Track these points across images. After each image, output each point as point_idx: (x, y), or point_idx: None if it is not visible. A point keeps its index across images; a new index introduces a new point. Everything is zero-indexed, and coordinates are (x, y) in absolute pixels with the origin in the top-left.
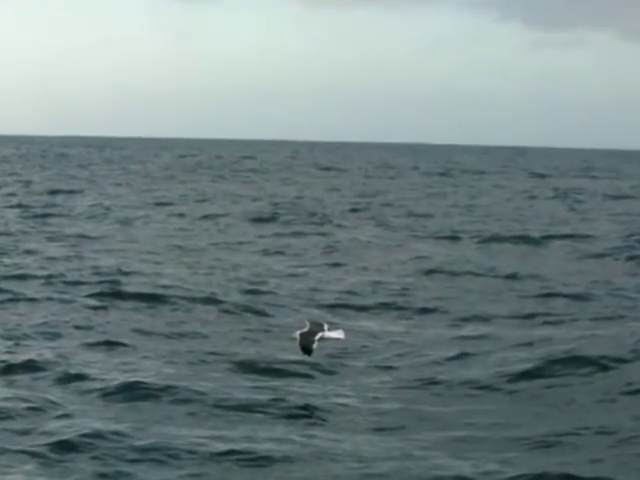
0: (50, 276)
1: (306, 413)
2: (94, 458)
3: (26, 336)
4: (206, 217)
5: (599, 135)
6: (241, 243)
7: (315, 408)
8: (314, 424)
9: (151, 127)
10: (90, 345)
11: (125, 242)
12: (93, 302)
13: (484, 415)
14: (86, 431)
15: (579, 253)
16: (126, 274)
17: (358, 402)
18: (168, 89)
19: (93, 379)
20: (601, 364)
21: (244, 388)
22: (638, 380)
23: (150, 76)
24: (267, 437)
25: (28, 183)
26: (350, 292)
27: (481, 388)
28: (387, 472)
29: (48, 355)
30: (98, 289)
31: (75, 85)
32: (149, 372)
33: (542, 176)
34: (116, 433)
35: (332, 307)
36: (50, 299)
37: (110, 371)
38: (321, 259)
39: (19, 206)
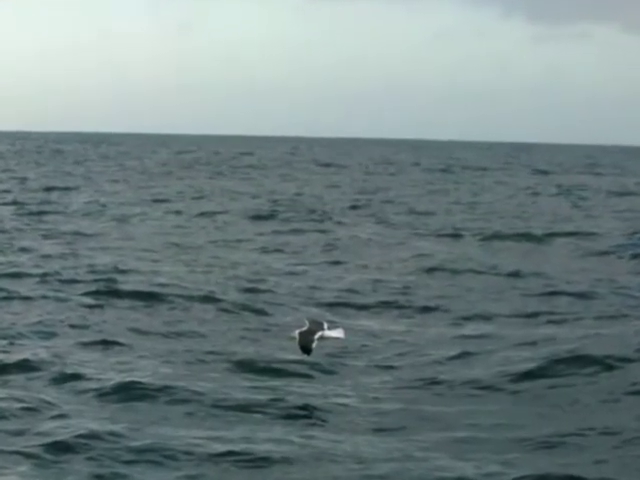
0: (45, 274)
1: (305, 413)
2: (90, 459)
3: (21, 335)
4: (204, 214)
5: (603, 131)
6: (239, 241)
7: (314, 408)
8: (313, 424)
9: (148, 123)
10: (86, 344)
11: (121, 240)
12: (89, 300)
13: (486, 415)
14: (82, 432)
15: (583, 251)
16: (122, 272)
17: (358, 402)
18: (166, 84)
19: (89, 379)
20: (605, 363)
21: (242, 388)
22: None
23: (148, 71)
24: (266, 438)
25: (23, 180)
26: (350, 290)
27: (483, 388)
28: (387, 473)
29: (43, 354)
30: (94, 287)
31: (71, 80)
32: (146, 372)
33: (545, 172)
34: (112, 434)
35: (332, 306)
36: (45, 297)
37: (106, 371)
38: (321, 257)
39: (14, 203)
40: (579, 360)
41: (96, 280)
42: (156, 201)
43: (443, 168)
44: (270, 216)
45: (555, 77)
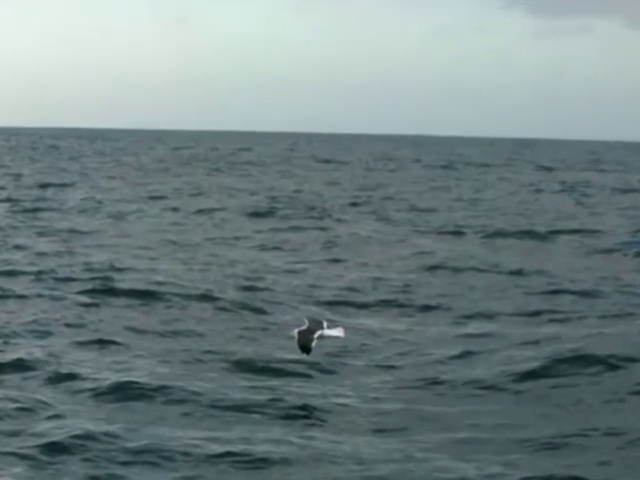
0: (40, 272)
1: (305, 414)
2: (85, 460)
3: (15, 334)
4: (201, 211)
5: (607, 126)
6: (237, 238)
7: (314, 408)
8: (313, 425)
9: (145, 118)
10: (81, 343)
11: (118, 237)
12: (85, 299)
13: (488, 416)
14: (77, 432)
15: (586, 248)
16: (119, 270)
17: (358, 402)
18: (163, 79)
19: (84, 379)
20: (609, 363)
21: (241, 388)
22: None
23: (145, 65)
24: (264, 438)
25: (18, 176)
26: (350, 289)
27: (485, 388)
28: (388, 474)
29: (38, 354)
30: (90, 286)
31: (66, 75)
32: (142, 371)
33: (548, 169)
34: (108, 434)
35: (331, 304)
36: (40, 296)
37: (102, 370)
38: (320, 255)
39: (8, 200)
40: (583, 359)
41: (92, 278)
42: (153, 198)
43: (445, 164)
44: (269, 213)
45: (557, 72)
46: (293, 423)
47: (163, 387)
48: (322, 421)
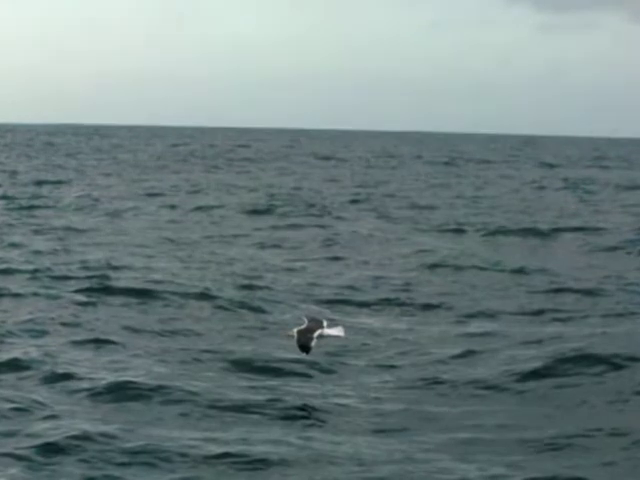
0: (36, 270)
1: (304, 414)
2: (82, 461)
3: (10, 333)
4: (199, 209)
5: (611, 122)
6: (236, 236)
7: (313, 409)
8: (312, 425)
9: (142, 114)
10: (78, 343)
11: (114, 235)
12: (81, 298)
13: (490, 416)
14: (73, 433)
15: (590, 247)
16: (115, 268)
17: (358, 402)
18: (161, 75)
19: (81, 378)
20: (613, 363)
21: (239, 388)
22: None
23: (142, 61)
24: (263, 439)
25: (13, 173)
26: (350, 287)
27: (487, 388)
28: (388, 476)
29: (34, 353)
30: (86, 284)
31: (62, 70)
32: (139, 371)
33: (551, 166)
34: (105, 435)
35: (331, 303)
36: (36, 295)
37: (99, 370)
38: (320, 253)
39: (4, 197)
40: (586, 359)
41: (88, 277)
42: (150, 195)
43: (446, 161)
44: (268, 211)
45: (560, 67)
46: (292, 423)
47: (160, 387)
48: (322, 421)
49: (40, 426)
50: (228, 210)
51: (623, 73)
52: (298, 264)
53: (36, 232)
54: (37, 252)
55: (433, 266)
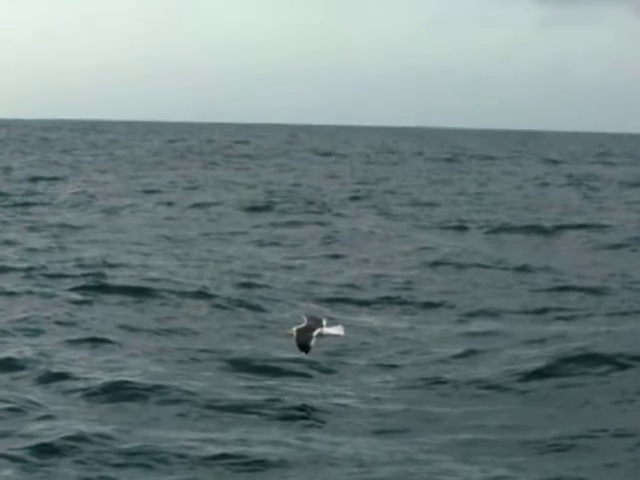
0: (31, 268)
1: (303, 414)
2: (77, 462)
3: (5, 332)
4: (197, 206)
5: (615, 118)
6: (234, 233)
7: (313, 409)
8: (312, 426)
9: (139, 110)
10: (73, 342)
11: (110, 232)
12: (76, 296)
13: (493, 416)
14: (69, 433)
15: (594, 244)
16: (111, 266)
17: (358, 402)
18: (158, 69)
19: (76, 378)
20: (618, 362)
21: (237, 388)
22: None
23: (139, 55)
24: (262, 440)
25: (7, 169)
26: (350, 285)
27: (490, 388)
28: (389, 477)
29: (28, 353)
30: (82, 282)
31: (57, 65)
32: (136, 371)
33: (555, 162)
34: (101, 436)
35: (331, 301)
36: (30, 293)
37: (94, 370)
38: (319, 250)
39: None
40: (590, 358)
41: (84, 275)
42: (147, 192)
43: (448, 157)
44: (266, 208)
45: (563, 62)
46: (291, 424)
47: (157, 387)
48: (321, 422)
49: (35, 427)
50: (226, 207)
51: (627, 68)
52: (297, 262)
53: (31, 229)
54: (32, 250)
55: (435, 264)
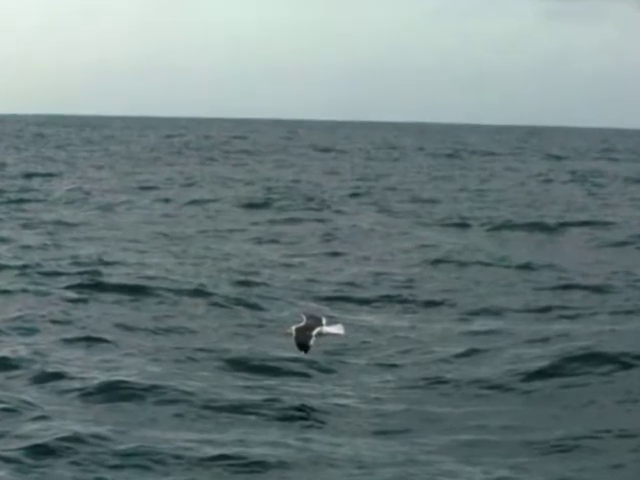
0: (25, 266)
1: (302, 414)
2: (73, 463)
3: None
4: (194, 202)
5: (620, 113)
6: (232, 231)
7: (312, 409)
8: (311, 426)
9: (135, 105)
10: (68, 341)
11: (106, 229)
12: (72, 294)
13: (495, 417)
14: (64, 434)
15: (598, 241)
16: (107, 264)
17: (358, 402)
18: (154, 63)
19: (72, 378)
20: (622, 361)
21: (235, 387)
22: None
23: (135, 49)
24: (260, 440)
25: (2, 166)
26: (350, 283)
27: (492, 387)
28: (390, 478)
29: (23, 352)
30: (77, 280)
31: (53, 60)
32: (132, 370)
33: (558, 158)
34: (96, 436)
35: (330, 300)
36: (25, 291)
37: (90, 369)
38: (319, 248)
39: None
40: (594, 358)
41: (79, 272)
42: (143, 188)
43: (449, 153)
44: (265, 204)
45: (568, 56)
46: (290, 424)
47: (154, 387)
48: (321, 422)
49: (29, 427)
50: (224, 204)
51: (631, 62)
52: (296, 260)
53: (25, 226)
54: (26, 247)
55: (436, 262)
